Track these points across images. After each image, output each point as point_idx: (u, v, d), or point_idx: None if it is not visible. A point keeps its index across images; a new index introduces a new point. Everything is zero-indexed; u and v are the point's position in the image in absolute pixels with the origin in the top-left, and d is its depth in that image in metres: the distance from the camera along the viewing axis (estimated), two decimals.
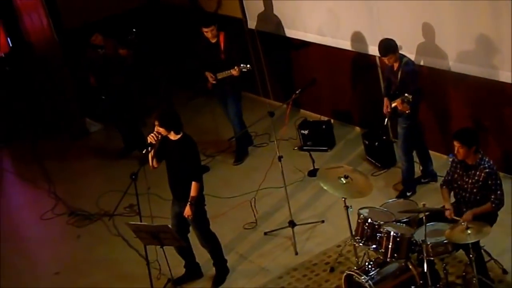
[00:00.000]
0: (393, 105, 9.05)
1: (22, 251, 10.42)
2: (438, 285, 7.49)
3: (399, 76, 9.06)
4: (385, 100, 9.28)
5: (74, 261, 9.89)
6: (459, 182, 7.70)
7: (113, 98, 11.74)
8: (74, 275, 9.62)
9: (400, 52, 9.16)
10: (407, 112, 8.96)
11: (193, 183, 8.25)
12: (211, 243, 8.71)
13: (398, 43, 9.44)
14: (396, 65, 9.10)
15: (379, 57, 10.41)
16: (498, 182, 7.54)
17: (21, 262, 10.15)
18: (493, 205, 7.52)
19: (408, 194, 9.49)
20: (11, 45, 14.34)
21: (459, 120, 9.54)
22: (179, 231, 8.26)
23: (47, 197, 11.59)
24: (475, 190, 7.59)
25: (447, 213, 7.67)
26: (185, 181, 8.28)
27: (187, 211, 8.27)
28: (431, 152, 9.79)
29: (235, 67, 10.56)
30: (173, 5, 14.01)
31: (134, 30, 11.22)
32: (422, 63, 9.71)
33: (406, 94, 8.78)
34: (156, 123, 8.22)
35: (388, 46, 9.01)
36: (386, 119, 9.35)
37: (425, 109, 9.79)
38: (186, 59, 12.35)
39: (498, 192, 7.52)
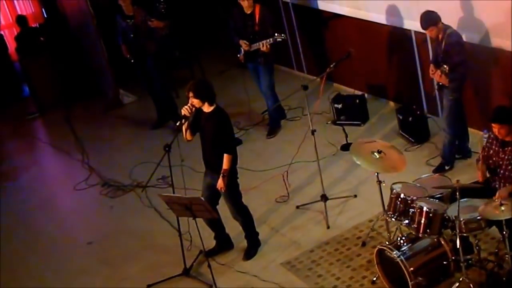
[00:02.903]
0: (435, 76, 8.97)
1: (56, 220, 10.52)
2: (470, 261, 7.44)
3: (442, 47, 8.97)
4: (431, 65, 9.16)
5: (107, 231, 9.97)
6: (494, 158, 7.63)
7: (147, 66, 11.75)
8: (107, 245, 9.70)
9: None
10: (446, 84, 8.89)
11: (226, 155, 8.24)
12: (243, 215, 8.73)
13: None
14: (440, 36, 9.00)
15: (414, 31, 10.35)
16: None
17: (55, 231, 10.25)
18: None
19: (447, 168, 9.41)
20: (46, 16, 14.43)
21: (496, 96, 9.44)
22: (209, 203, 8.26)
23: (80, 168, 11.69)
24: (510, 167, 7.52)
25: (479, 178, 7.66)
26: (218, 153, 8.28)
27: (220, 183, 8.28)
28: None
29: (264, 43, 10.51)
30: None
31: (162, 0, 11.18)
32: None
33: (444, 66, 8.72)
34: (191, 94, 8.20)
35: (428, 18, 8.91)
36: (436, 90, 9.25)
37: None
38: (222, 29, 12.26)
39: None
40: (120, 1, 11.52)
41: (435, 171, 9.20)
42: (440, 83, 9.07)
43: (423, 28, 9.06)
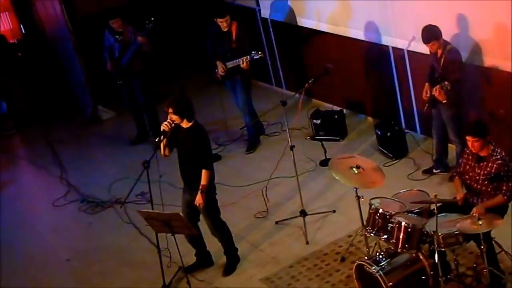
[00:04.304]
0: (432, 92, 8.95)
1: (34, 237, 10.45)
2: (448, 276, 7.48)
3: (441, 63, 8.98)
4: (426, 85, 9.16)
5: (85, 248, 9.91)
6: (470, 174, 7.67)
7: (132, 85, 11.74)
8: (85, 262, 9.65)
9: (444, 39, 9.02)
10: (443, 101, 8.88)
11: (204, 171, 8.24)
12: (222, 231, 8.72)
13: (413, 34, 9.42)
14: (439, 52, 8.99)
15: (392, 47, 10.41)
16: (510, 173, 7.51)
17: (33, 248, 10.18)
18: (505, 197, 7.49)
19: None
20: (24, 31, 14.38)
21: (473, 110, 9.50)
22: (189, 219, 8.24)
23: (59, 184, 11.63)
24: (486, 182, 7.56)
25: (458, 197, 7.67)
26: (196, 169, 8.28)
27: (198, 199, 8.27)
28: None
29: (244, 59, 10.54)
30: None
31: (152, 18, 11.17)
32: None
33: (445, 82, 8.71)
34: (170, 110, 8.20)
35: (431, 33, 8.88)
36: (426, 105, 9.22)
37: None
38: (199, 47, 12.27)
39: (510, 183, 7.49)
40: (113, 24, 11.48)
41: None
42: (434, 99, 8.99)
43: (424, 43, 9.00)
